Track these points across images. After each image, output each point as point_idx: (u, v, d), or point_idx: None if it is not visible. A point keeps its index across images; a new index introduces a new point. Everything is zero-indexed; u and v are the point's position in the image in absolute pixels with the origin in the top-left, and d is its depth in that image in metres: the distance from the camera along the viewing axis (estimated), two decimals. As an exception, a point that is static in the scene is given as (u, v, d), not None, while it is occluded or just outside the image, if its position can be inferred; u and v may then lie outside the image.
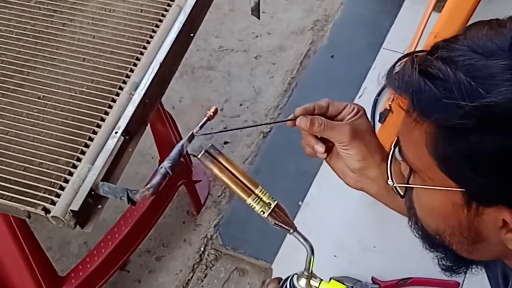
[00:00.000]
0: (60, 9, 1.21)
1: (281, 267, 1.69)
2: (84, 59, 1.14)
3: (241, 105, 2.17)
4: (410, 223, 0.82)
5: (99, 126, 1.05)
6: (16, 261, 1.43)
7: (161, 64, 1.11)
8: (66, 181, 0.98)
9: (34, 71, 1.13)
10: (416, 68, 0.66)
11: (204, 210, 1.90)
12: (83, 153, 1.02)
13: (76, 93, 1.09)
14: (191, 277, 1.76)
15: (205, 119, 1.02)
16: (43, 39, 1.17)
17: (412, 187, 0.77)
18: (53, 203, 0.96)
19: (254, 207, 0.94)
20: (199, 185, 1.90)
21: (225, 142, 2.06)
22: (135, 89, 1.08)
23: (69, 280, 1.55)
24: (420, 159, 0.71)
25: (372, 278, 1.65)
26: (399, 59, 0.74)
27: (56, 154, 1.02)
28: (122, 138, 1.03)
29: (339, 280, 1.68)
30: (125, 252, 1.66)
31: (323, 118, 0.93)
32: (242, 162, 1.99)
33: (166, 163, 0.98)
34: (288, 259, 1.70)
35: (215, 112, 1.03)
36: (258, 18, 1.21)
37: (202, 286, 1.73)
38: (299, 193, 1.84)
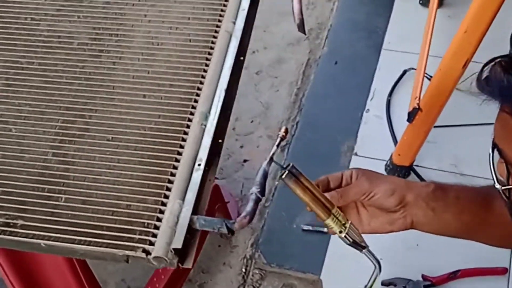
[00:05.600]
0: (106, 48, 1.20)
1: (330, 278, 1.69)
2: (144, 95, 1.12)
3: (252, 121, 2.17)
4: None
5: (177, 160, 1.03)
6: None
7: (226, 91, 1.10)
8: (159, 219, 0.97)
9: (96, 114, 1.11)
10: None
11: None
12: (168, 189, 1.00)
13: (145, 130, 1.08)
14: (238, 299, 1.75)
15: (278, 140, 1.02)
16: (96, 80, 1.15)
17: None
18: (151, 243, 0.94)
19: (332, 227, 0.95)
20: (228, 205, 1.89)
21: (245, 160, 2.06)
22: (205, 119, 1.07)
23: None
24: None
25: (423, 276, 1.66)
26: (484, 66, 0.77)
27: (142, 194, 1.00)
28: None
29: (391, 282, 1.68)
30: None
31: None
32: (266, 178, 1.98)
33: (255, 189, 0.97)
34: (335, 269, 1.70)
35: (286, 131, 1.03)
36: (304, 33, 1.21)
37: (253, 306, 1.72)
38: (331, 202, 1.85)
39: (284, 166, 0.96)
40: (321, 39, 2.37)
